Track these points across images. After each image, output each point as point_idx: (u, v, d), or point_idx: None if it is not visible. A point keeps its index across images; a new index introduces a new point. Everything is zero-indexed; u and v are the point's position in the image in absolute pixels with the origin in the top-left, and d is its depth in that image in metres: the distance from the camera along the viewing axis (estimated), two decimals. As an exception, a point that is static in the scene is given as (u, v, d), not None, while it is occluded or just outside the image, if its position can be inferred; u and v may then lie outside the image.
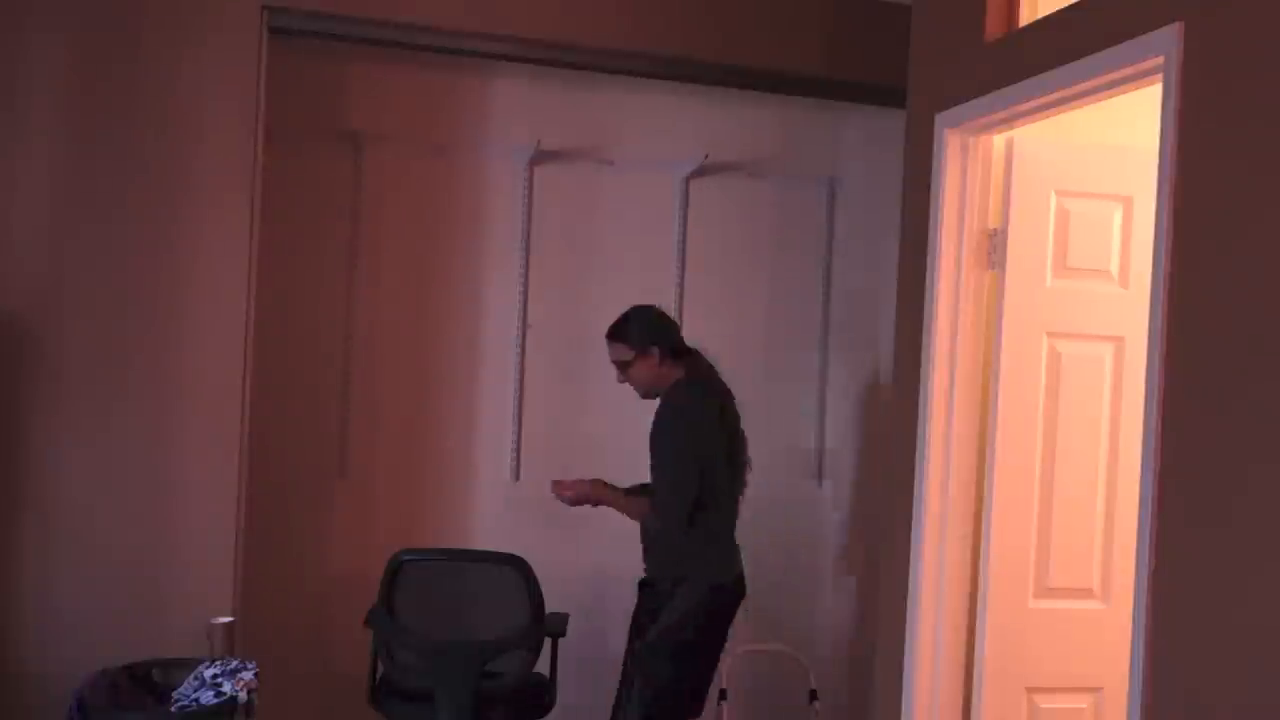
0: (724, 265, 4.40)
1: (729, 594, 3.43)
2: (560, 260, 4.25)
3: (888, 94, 3.97)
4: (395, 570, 3.42)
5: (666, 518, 3.35)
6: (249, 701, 3.17)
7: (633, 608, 3.54)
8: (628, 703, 3.43)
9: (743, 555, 3.48)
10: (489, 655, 3.40)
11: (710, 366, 3.54)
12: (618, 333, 3.50)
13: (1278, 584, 2.19)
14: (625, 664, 3.50)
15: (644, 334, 3.46)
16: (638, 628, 3.48)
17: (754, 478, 4.40)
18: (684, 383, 3.44)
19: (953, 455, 3.32)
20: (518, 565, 3.42)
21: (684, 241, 4.35)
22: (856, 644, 4.41)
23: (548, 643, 3.54)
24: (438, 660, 3.37)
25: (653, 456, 3.38)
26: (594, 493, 3.49)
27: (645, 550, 3.50)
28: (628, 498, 3.50)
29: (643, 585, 3.52)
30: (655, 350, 3.45)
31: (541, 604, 3.44)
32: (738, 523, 3.48)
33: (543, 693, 3.57)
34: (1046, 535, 3.23)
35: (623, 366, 3.50)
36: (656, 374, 3.46)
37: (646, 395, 3.50)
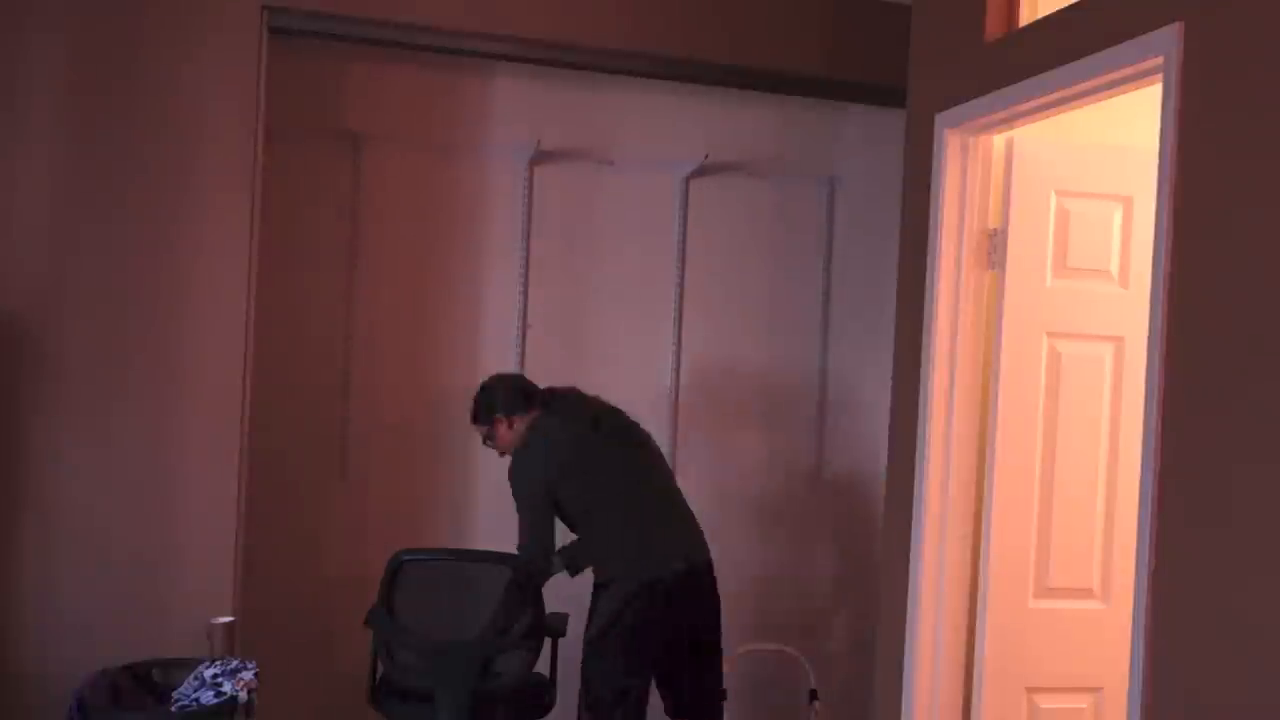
0: (724, 265, 4.40)
1: (661, 591, 3.43)
2: (560, 260, 4.25)
3: (888, 94, 3.97)
4: (395, 570, 3.42)
5: (530, 561, 3.44)
6: (249, 701, 3.17)
7: None
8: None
9: (691, 540, 3.56)
10: (489, 655, 3.40)
11: (568, 396, 3.68)
12: (477, 417, 3.65)
13: (1277, 584, 2.19)
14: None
15: (492, 408, 3.61)
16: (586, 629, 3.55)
17: (754, 478, 4.41)
18: (528, 428, 3.58)
19: (953, 455, 3.32)
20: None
21: (684, 241, 4.35)
22: (856, 644, 4.41)
23: (548, 643, 3.54)
24: (438, 660, 3.37)
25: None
26: None
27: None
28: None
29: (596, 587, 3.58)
30: (502, 417, 3.60)
31: (542, 604, 3.44)
32: (687, 505, 3.62)
33: (543, 693, 3.57)
34: (1046, 535, 3.23)
35: (488, 438, 3.66)
36: (514, 435, 3.60)
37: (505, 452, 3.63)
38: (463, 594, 3.48)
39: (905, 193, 3.60)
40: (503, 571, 3.43)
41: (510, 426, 3.59)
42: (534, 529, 3.45)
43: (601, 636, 3.43)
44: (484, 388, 3.66)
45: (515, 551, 3.49)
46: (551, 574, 3.47)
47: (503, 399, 3.61)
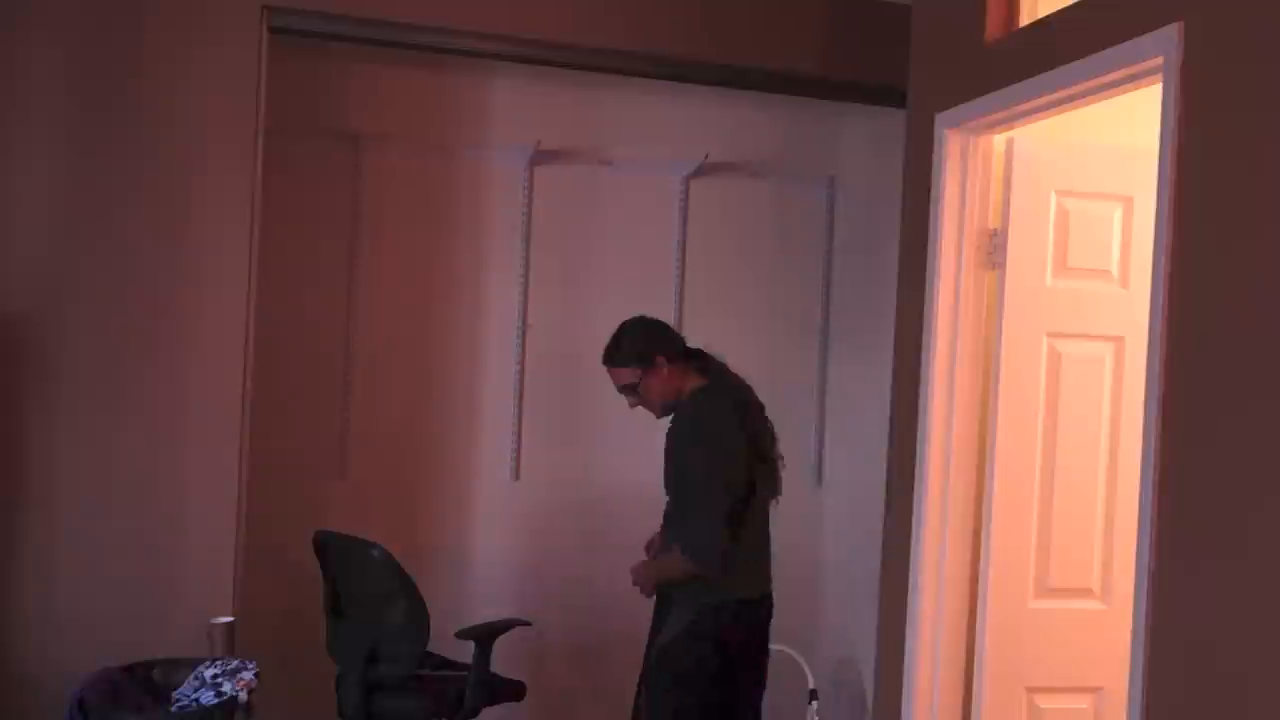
0: (724, 265, 4.40)
1: (748, 613, 3.14)
2: (560, 260, 4.25)
3: (888, 94, 3.97)
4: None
5: (702, 553, 3.00)
6: (249, 701, 3.17)
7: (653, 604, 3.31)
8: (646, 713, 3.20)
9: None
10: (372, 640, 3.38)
11: (721, 365, 3.28)
12: (614, 356, 3.21)
13: (1277, 585, 2.19)
14: (643, 663, 3.27)
15: (643, 347, 3.20)
16: (651, 634, 3.25)
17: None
18: (701, 389, 3.18)
19: (953, 455, 3.32)
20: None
21: (684, 241, 4.35)
22: (857, 644, 4.41)
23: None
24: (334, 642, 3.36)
25: (676, 478, 3.11)
26: (646, 580, 3.16)
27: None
28: (660, 560, 3.18)
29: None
30: (661, 360, 3.17)
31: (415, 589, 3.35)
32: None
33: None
34: (1046, 535, 3.23)
35: (631, 390, 3.21)
36: (669, 385, 3.18)
37: (665, 411, 3.20)
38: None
39: (905, 193, 3.61)
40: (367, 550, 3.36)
41: (669, 374, 3.13)
42: (710, 515, 2.94)
43: (666, 655, 3.10)
44: (634, 327, 3.20)
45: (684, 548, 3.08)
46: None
47: (664, 340, 3.16)
